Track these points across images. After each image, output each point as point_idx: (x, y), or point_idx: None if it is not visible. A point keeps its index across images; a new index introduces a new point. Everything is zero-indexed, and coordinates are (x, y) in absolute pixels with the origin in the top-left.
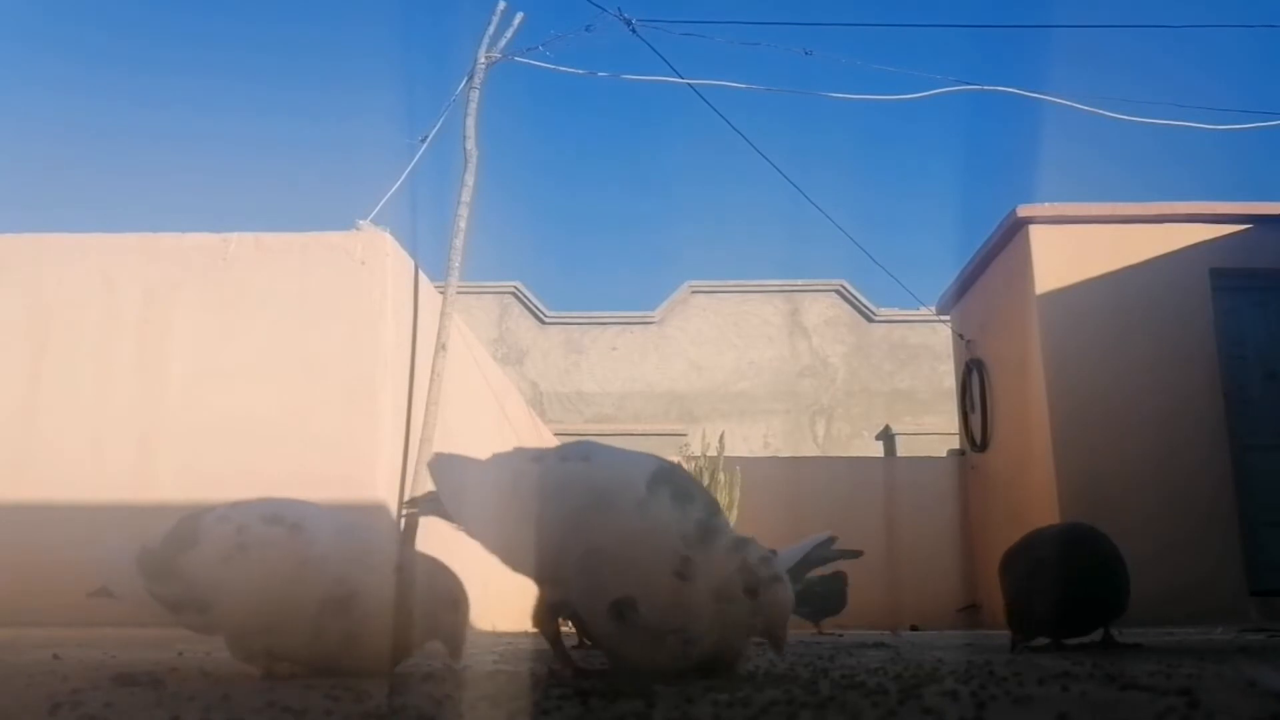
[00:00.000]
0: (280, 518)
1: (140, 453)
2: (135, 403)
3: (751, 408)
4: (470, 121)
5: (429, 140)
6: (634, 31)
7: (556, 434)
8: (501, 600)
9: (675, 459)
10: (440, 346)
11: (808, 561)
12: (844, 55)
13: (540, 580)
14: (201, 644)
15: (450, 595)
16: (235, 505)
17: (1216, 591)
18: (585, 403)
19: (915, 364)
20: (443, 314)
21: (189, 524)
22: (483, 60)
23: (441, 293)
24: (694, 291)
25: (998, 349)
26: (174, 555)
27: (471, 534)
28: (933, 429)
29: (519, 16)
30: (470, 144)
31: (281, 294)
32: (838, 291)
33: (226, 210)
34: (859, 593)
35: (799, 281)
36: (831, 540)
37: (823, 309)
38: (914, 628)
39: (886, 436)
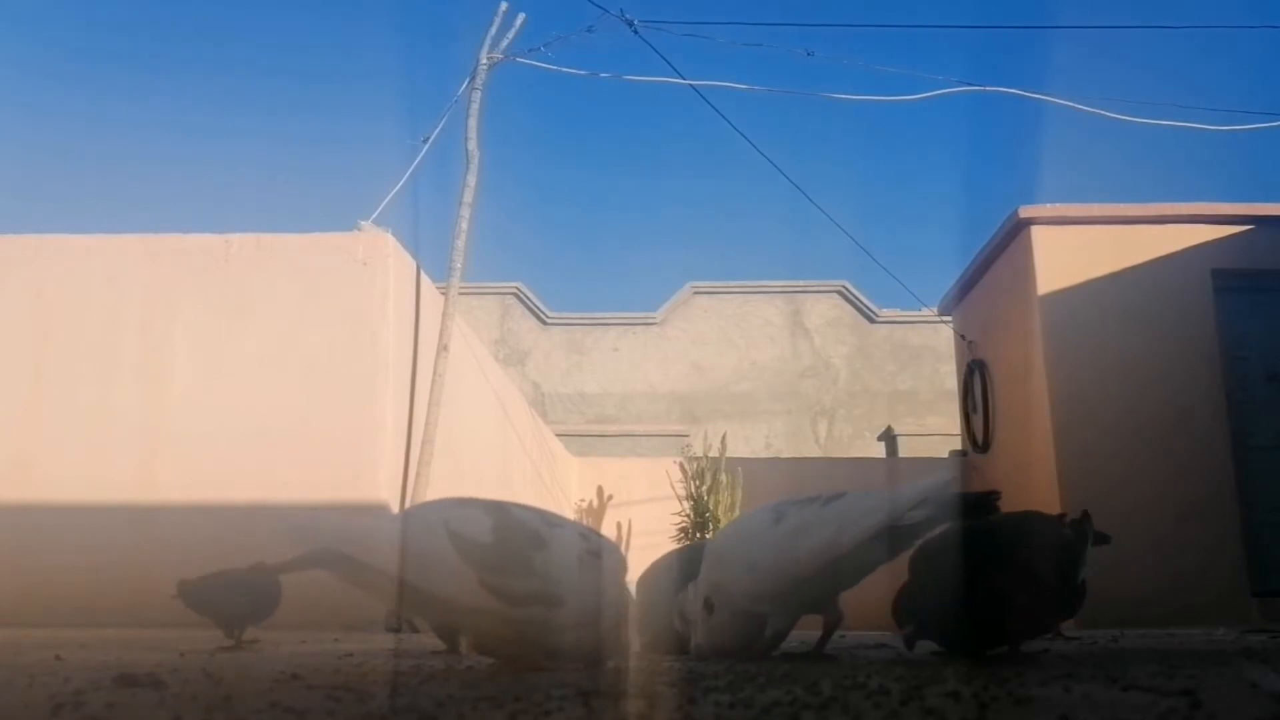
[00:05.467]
0: (594, 530)
1: (142, 453)
2: (137, 403)
3: (753, 408)
4: (472, 122)
5: (431, 141)
6: (636, 32)
7: (558, 435)
8: None
9: (676, 460)
10: (442, 347)
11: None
12: (846, 56)
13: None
14: (203, 645)
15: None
16: (520, 505)
17: (1218, 592)
18: (587, 403)
19: (917, 365)
20: (444, 315)
21: (508, 523)
22: (485, 61)
23: (443, 293)
24: (696, 292)
25: (999, 350)
26: (529, 553)
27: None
28: (935, 430)
29: (521, 17)
30: (472, 144)
31: (283, 295)
32: (839, 292)
33: (228, 211)
34: (860, 592)
35: (801, 282)
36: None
37: (825, 310)
38: None
39: (888, 437)
